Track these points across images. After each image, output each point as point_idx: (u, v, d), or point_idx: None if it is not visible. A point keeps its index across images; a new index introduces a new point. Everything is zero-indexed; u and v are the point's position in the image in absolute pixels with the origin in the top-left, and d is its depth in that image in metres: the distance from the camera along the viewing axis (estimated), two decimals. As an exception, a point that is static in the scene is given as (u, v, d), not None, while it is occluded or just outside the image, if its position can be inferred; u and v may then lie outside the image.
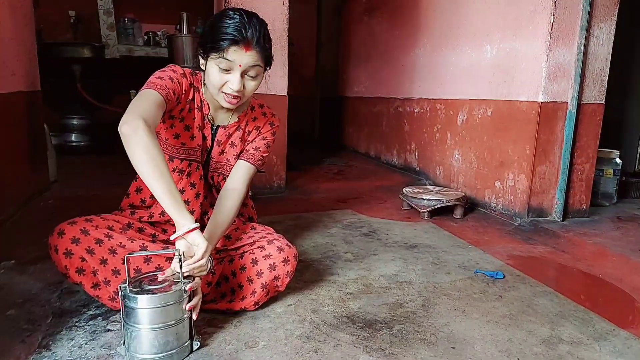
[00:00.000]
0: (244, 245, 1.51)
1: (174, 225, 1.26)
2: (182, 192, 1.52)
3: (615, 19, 2.56)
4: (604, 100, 2.65)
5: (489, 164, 2.93)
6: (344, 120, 5.71)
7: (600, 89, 2.63)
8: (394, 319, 1.50)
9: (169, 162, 1.51)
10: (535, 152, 2.58)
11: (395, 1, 4.25)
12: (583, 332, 1.46)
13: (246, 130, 1.61)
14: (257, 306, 1.48)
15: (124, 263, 1.34)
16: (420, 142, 3.84)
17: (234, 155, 1.60)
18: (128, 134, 1.17)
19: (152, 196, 1.48)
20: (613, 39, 2.57)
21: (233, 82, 1.34)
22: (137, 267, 1.40)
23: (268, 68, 1.44)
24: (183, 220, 1.22)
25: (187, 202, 1.54)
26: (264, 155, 1.62)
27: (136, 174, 1.52)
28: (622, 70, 3.16)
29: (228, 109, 1.52)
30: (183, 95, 1.44)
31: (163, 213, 1.53)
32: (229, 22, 1.31)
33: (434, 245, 2.24)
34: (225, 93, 1.37)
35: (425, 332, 1.43)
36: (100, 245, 1.34)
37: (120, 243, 1.37)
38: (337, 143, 5.88)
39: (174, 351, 1.21)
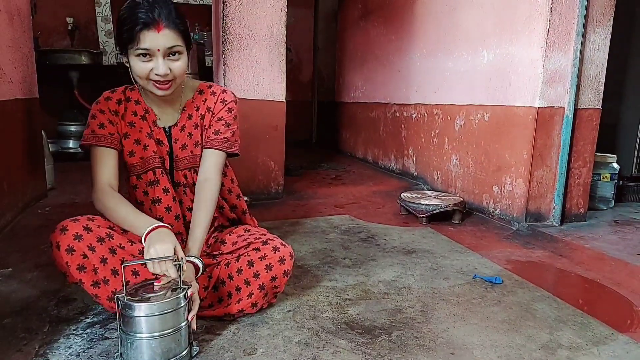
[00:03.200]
0: (239, 249, 1.50)
1: (170, 227, 1.35)
2: (159, 200, 1.52)
3: (611, 24, 2.57)
4: (600, 105, 2.67)
5: (486, 168, 2.94)
6: (342, 125, 5.72)
7: (597, 94, 2.64)
8: (392, 324, 1.50)
9: (139, 181, 1.52)
10: (532, 156, 2.58)
11: (391, 6, 4.27)
12: (582, 336, 1.46)
13: (199, 115, 1.56)
14: (255, 308, 1.47)
15: (122, 264, 1.35)
16: (418, 147, 3.84)
17: (194, 144, 1.55)
18: (100, 209, 1.42)
19: (156, 198, 1.54)
20: (609, 44, 2.59)
21: (157, 67, 1.33)
22: (135, 269, 1.40)
23: (191, 47, 1.42)
24: (143, 225, 1.32)
25: (168, 209, 1.53)
26: (227, 136, 1.55)
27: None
28: (618, 74, 3.18)
29: (172, 105, 1.52)
30: (116, 117, 1.49)
31: (168, 209, 1.54)
32: (134, 10, 1.31)
33: (433, 251, 2.24)
34: (154, 81, 1.36)
35: (424, 338, 1.42)
36: (101, 244, 1.35)
37: (120, 244, 1.37)
38: (334, 148, 5.89)
39: (174, 359, 1.20)
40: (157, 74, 1.34)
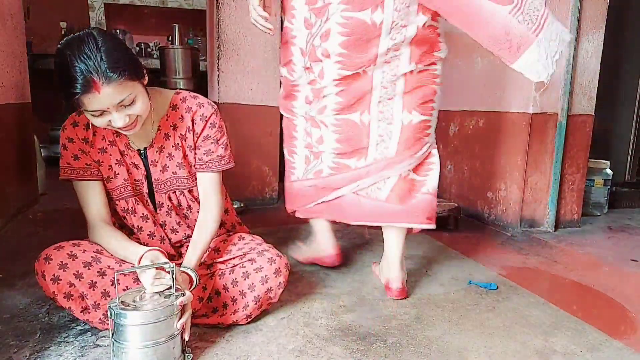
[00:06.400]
0: (233, 258, 1.49)
1: (161, 250, 1.32)
2: (140, 228, 1.49)
3: (603, 31, 2.59)
4: (593, 111, 2.69)
5: (481, 174, 2.95)
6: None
7: (590, 100, 2.66)
8: (387, 331, 1.49)
9: (116, 206, 1.48)
10: (526, 162, 2.59)
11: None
12: (576, 342, 1.46)
13: (178, 135, 1.44)
14: (249, 319, 1.46)
15: (113, 284, 1.33)
16: (412, 152, 3.84)
17: (177, 165, 1.46)
18: (95, 241, 1.41)
19: (136, 226, 1.50)
20: (601, 50, 2.61)
21: (114, 121, 1.22)
22: (127, 286, 1.38)
23: (143, 76, 1.28)
24: (133, 256, 1.29)
25: (152, 235, 1.50)
26: (221, 154, 1.46)
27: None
28: (610, 80, 3.21)
29: (144, 125, 1.36)
30: (86, 144, 1.42)
31: (152, 235, 1.52)
32: (65, 71, 1.15)
33: (427, 257, 2.24)
34: (116, 127, 1.25)
35: (419, 344, 1.42)
36: (88, 269, 1.33)
37: (109, 266, 1.36)
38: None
39: (166, 367, 1.18)
40: (116, 127, 1.24)
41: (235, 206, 2.83)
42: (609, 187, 3.08)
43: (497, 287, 1.87)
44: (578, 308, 1.73)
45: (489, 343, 1.44)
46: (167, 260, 1.24)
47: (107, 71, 1.15)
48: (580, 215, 2.79)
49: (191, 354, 1.28)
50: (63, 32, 5.00)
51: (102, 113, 1.21)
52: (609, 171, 3.07)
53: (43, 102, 4.02)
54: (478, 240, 2.57)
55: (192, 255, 1.39)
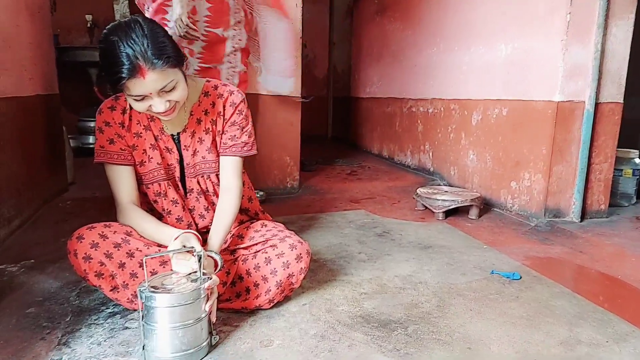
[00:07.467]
0: (256, 244, 1.51)
1: (194, 233, 1.35)
2: (169, 212, 1.53)
3: (633, 16, 2.51)
4: (622, 99, 2.61)
5: (504, 164, 2.91)
6: (357, 120, 5.70)
7: (618, 88, 2.59)
8: (408, 319, 1.49)
9: (147, 190, 1.51)
10: (552, 152, 2.55)
11: (407, 1, 4.24)
12: (602, 333, 1.44)
13: (210, 120, 1.50)
14: (272, 304, 1.48)
15: (141, 266, 1.37)
16: (434, 142, 3.82)
17: (206, 149, 1.51)
18: (126, 223, 1.44)
19: (166, 209, 1.53)
20: (631, 36, 2.53)
21: (155, 106, 1.28)
22: (154, 269, 1.42)
23: (183, 61, 1.33)
24: (167, 238, 1.33)
25: (179, 219, 1.54)
26: (244, 140, 1.52)
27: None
28: (640, 68, 3.11)
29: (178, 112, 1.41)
30: (122, 129, 1.45)
31: (180, 220, 1.55)
32: (112, 56, 1.20)
33: (449, 246, 2.22)
34: (156, 112, 1.31)
35: (440, 332, 1.42)
36: (118, 249, 1.36)
37: (137, 248, 1.39)
38: (349, 143, 5.88)
39: (194, 350, 1.21)
40: (156, 112, 1.29)
41: (257, 195, 2.86)
42: (637, 177, 3.00)
43: (521, 277, 1.85)
44: (604, 299, 1.70)
45: (512, 332, 1.43)
46: (194, 245, 1.27)
47: (153, 57, 1.20)
48: (607, 206, 2.73)
49: (217, 336, 1.31)
50: (89, 25, 5.09)
51: (144, 98, 1.26)
52: (637, 160, 2.99)
53: (71, 94, 4.11)
54: (501, 229, 2.54)
55: (215, 239, 1.42)
